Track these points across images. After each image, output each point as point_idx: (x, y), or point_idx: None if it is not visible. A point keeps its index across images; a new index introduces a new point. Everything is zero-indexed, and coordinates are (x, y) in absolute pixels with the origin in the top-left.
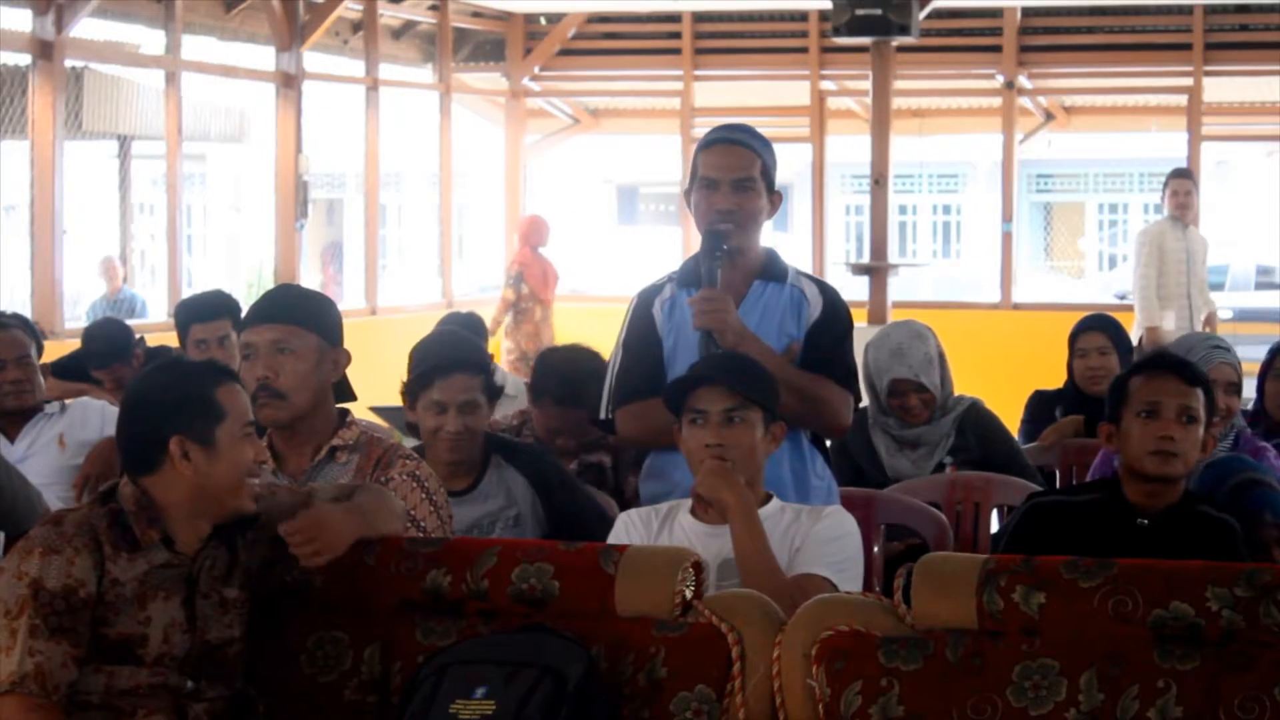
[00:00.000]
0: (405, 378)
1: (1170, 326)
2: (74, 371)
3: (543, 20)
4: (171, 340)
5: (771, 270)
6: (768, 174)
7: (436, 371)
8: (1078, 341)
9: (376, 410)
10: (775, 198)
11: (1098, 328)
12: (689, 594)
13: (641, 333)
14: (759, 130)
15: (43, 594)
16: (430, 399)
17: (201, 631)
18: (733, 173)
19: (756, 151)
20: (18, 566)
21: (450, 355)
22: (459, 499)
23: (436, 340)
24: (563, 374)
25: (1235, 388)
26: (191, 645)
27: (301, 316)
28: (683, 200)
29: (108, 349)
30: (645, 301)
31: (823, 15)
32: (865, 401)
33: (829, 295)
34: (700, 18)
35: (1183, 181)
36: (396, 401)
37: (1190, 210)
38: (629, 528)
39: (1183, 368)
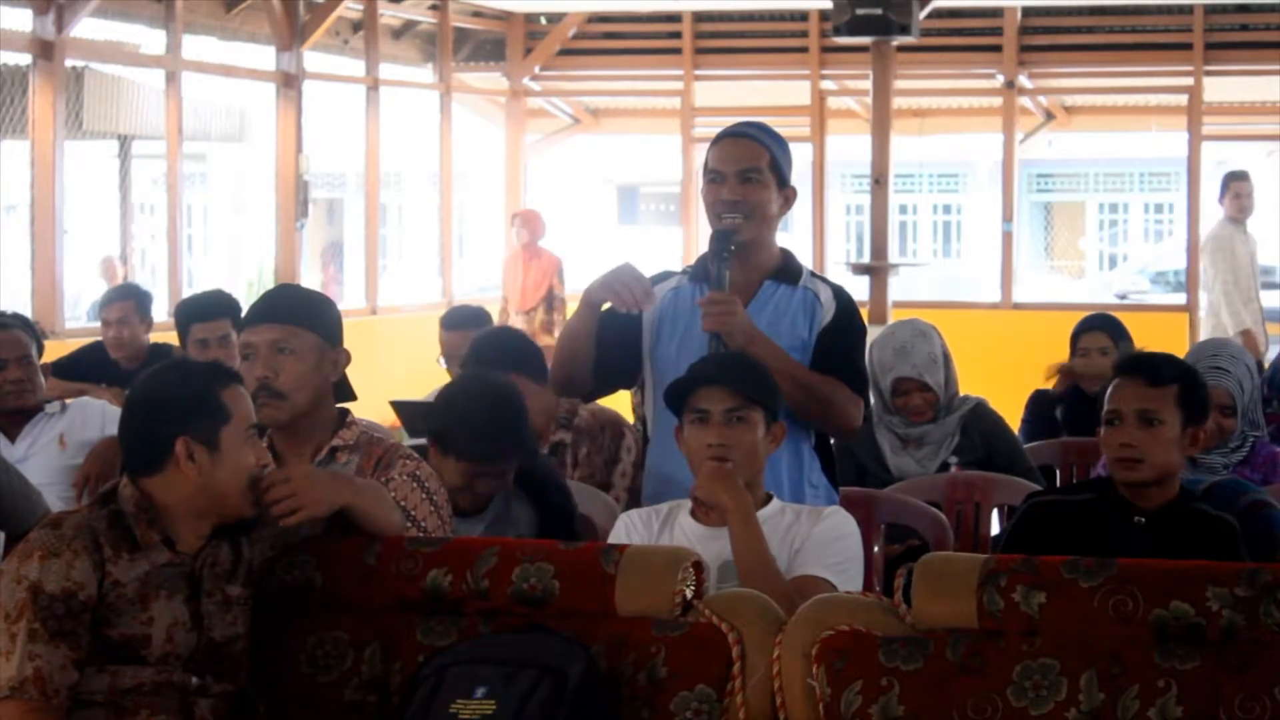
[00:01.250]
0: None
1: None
2: (74, 371)
3: (543, 20)
4: (172, 340)
5: (785, 271)
6: (778, 167)
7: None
8: (1080, 341)
9: (396, 404)
10: (788, 192)
11: (1100, 327)
12: (689, 594)
13: (616, 314)
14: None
15: (42, 597)
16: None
17: (207, 630)
18: (738, 164)
19: (764, 144)
20: (17, 570)
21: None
22: (463, 519)
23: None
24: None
25: (1230, 410)
26: (197, 644)
27: (301, 316)
28: (684, 200)
29: (127, 290)
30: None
31: (823, 15)
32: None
33: (843, 299)
34: (700, 17)
35: (1244, 184)
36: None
37: (1249, 212)
38: (629, 529)
39: (1147, 369)
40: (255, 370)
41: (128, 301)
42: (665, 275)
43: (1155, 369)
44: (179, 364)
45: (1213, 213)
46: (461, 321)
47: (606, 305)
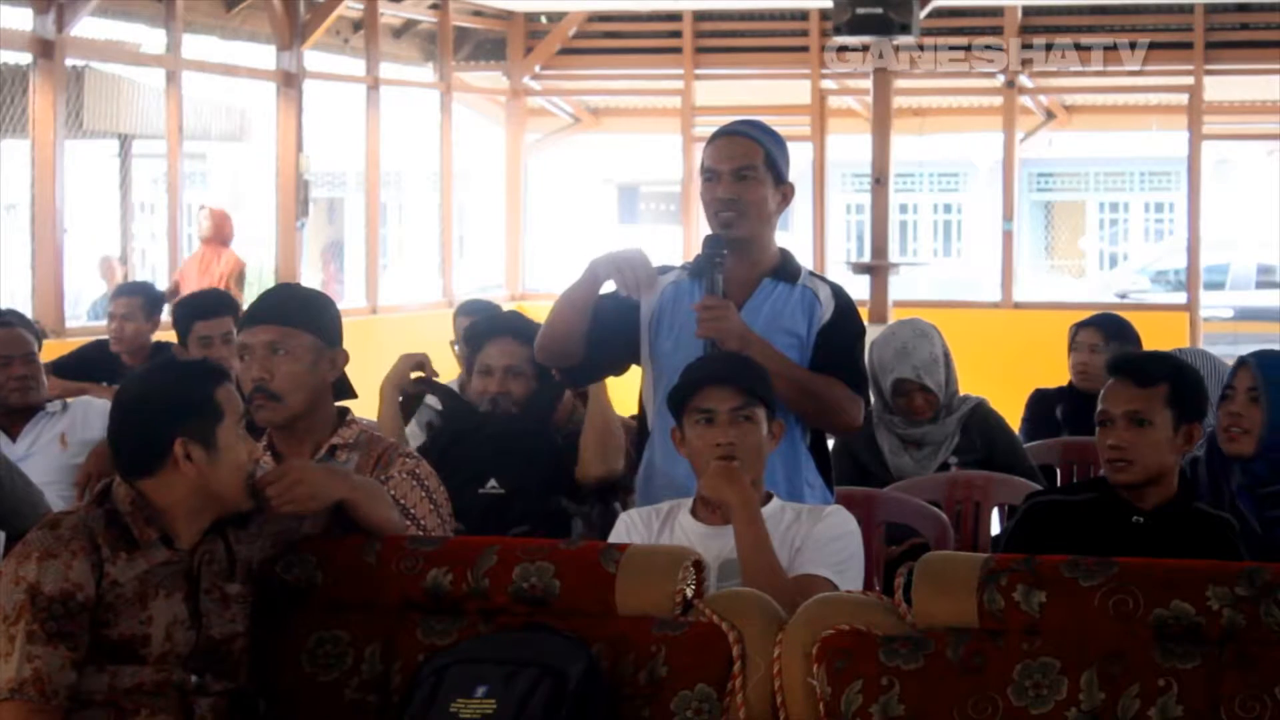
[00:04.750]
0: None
1: None
2: (74, 370)
3: (543, 19)
4: (170, 340)
5: (783, 270)
6: (773, 164)
7: (487, 334)
8: (1075, 336)
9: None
10: (785, 189)
11: (1095, 325)
12: (689, 593)
13: (615, 299)
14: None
15: (40, 599)
16: (483, 362)
17: (205, 628)
18: (733, 162)
19: (758, 141)
20: (15, 571)
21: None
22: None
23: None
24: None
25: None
26: (196, 642)
27: (296, 317)
28: (684, 199)
29: (138, 287)
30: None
31: (823, 15)
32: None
33: (841, 298)
34: (701, 16)
35: None
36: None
37: None
38: (629, 528)
39: (1135, 369)
40: (251, 371)
41: (135, 298)
42: (665, 269)
43: (1143, 369)
44: (169, 365)
45: (1211, 213)
46: (477, 310)
47: (607, 289)
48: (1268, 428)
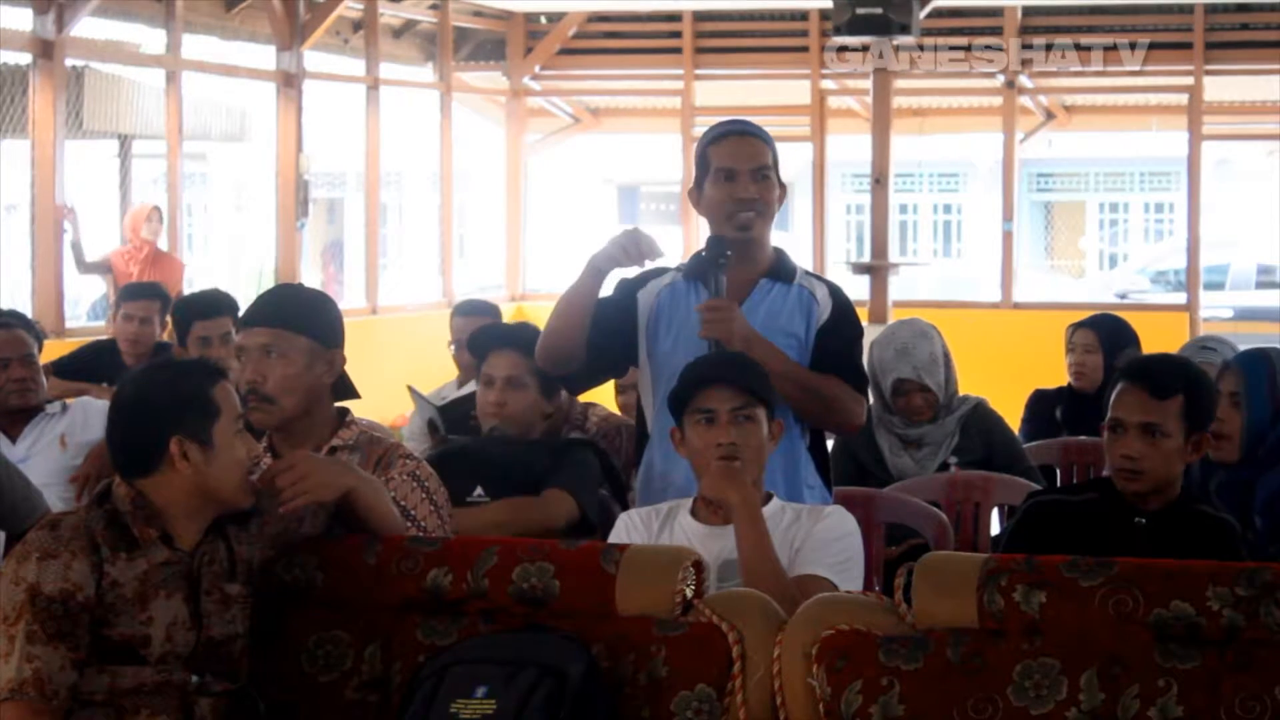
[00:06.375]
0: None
1: None
2: (75, 370)
3: (543, 19)
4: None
5: (779, 270)
6: (777, 165)
7: (491, 345)
8: (1071, 337)
9: (413, 391)
10: (782, 190)
11: (1090, 326)
12: (689, 593)
13: (613, 302)
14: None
15: (40, 599)
16: (486, 373)
17: (206, 628)
18: (751, 162)
19: (766, 143)
20: (15, 572)
21: (499, 332)
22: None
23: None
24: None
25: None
26: (196, 642)
27: (291, 320)
28: (684, 199)
29: (154, 290)
30: (635, 282)
31: (823, 15)
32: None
33: (839, 297)
34: (701, 17)
35: None
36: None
37: None
38: (629, 528)
39: (1153, 381)
40: (245, 374)
41: (154, 301)
42: (659, 271)
43: (1160, 382)
44: (165, 364)
45: (1211, 213)
46: (474, 310)
47: (606, 290)
48: (1248, 432)
